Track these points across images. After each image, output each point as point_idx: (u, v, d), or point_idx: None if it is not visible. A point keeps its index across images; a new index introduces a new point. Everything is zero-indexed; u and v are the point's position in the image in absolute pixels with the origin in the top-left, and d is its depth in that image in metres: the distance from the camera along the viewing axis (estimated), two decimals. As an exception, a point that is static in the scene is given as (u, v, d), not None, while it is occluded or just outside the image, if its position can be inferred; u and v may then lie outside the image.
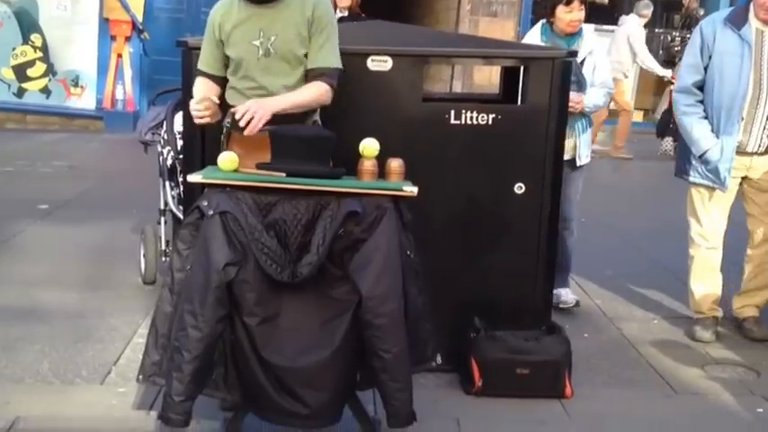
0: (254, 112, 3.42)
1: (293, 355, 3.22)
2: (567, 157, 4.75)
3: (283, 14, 3.60)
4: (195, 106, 3.54)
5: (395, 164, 3.41)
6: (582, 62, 4.95)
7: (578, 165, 5.05)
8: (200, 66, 3.75)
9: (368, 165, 3.39)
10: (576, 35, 4.99)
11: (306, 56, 3.63)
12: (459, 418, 3.85)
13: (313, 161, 3.35)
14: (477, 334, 4.09)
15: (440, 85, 12.72)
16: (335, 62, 3.66)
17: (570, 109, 4.52)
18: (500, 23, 12.18)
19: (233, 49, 3.65)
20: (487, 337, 4.08)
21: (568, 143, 4.73)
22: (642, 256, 6.16)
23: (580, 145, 5.05)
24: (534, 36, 5.04)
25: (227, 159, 3.34)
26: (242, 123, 3.41)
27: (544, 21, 5.07)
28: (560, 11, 4.93)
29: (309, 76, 3.63)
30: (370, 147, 3.42)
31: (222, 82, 3.74)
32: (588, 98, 4.94)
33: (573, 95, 4.58)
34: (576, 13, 4.93)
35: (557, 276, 4.89)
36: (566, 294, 5.23)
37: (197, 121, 3.57)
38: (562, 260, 5.06)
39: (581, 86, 4.89)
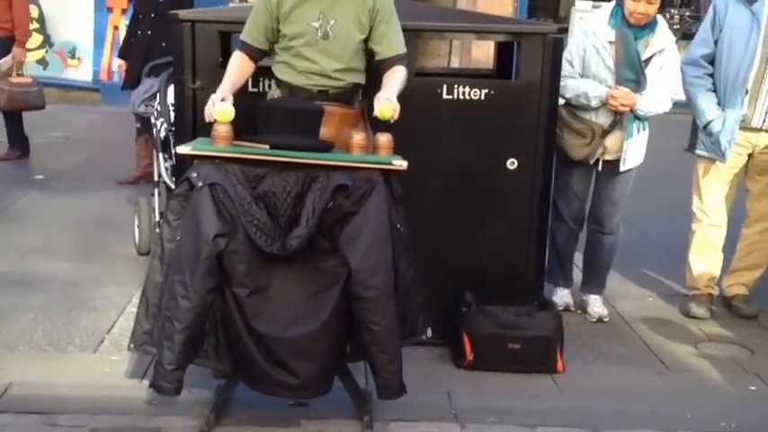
0: (395, 104, 3.44)
1: (283, 327, 3.24)
2: (611, 156, 4.59)
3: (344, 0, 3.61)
4: (213, 109, 3.44)
5: (383, 138, 3.38)
6: (648, 60, 4.50)
7: (621, 169, 4.61)
8: (245, 37, 3.71)
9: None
10: (646, 27, 4.47)
11: (364, 41, 3.66)
12: (449, 391, 3.87)
13: (300, 134, 3.35)
14: (468, 308, 4.11)
15: (438, 61, 12.64)
16: (403, 47, 3.71)
17: (615, 105, 4.44)
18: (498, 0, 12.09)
19: (290, 27, 3.63)
20: (479, 311, 4.09)
21: (614, 142, 4.56)
22: (639, 234, 6.16)
23: (628, 148, 4.56)
24: (603, 16, 4.56)
25: (223, 111, 3.32)
26: (395, 118, 3.42)
27: (615, 3, 4.56)
28: None
29: (387, 62, 3.66)
30: (387, 108, 3.39)
31: (260, 55, 3.74)
32: (644, 101, 4.47)
33: (622, 92, 4.44)
34: (643, 5, 4.38)
35: (585, 279, 4.89)
36: (592, 305, 4.85)
37: (207, 118, 3.49)
38: (592, 263, 4.87)
39: (639, 86, 4.47)
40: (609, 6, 4.59)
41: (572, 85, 4.49)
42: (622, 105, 4.45)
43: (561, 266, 4.86)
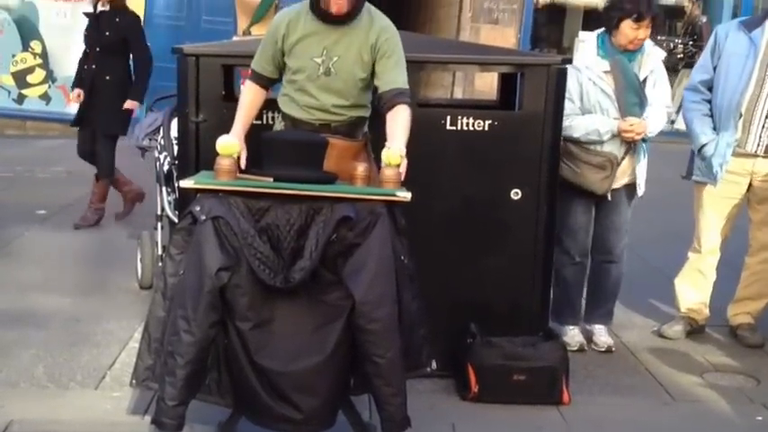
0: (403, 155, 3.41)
1: (286, 360, 3.22)
2: (620, 183, 4.59)
3: (349, 36, 3.61)
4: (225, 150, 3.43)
5: (390, 172, 3.35)
6: (644, 81, 4.56)
7: (639, 194, 4.68)
8: (255, 66, 3.75)
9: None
10: (636, 51, 4.54)
11: (368, 78, 3.65)
12: (454, 423, 3.83)
13: (304, 166, 3.34)
14: (473, 339, 4.08)
15: (441, 92, 12.73)
16: (405, 82, 3.64)
17: (630, 136, 4.46)
18: (501, 31, 12.19)
19: (294, 60, 3.65)
20: (484, 342, 4.06)
21: (626, 167, 4.57)
22: (642, 263, 6.14)
23: (638, 174, 4.62)
24: (590, 48, 4.60)
25: (227, 144, 3.32)
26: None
27: (601, 31, 4.59)
28: (626, 25, 4.44)
29: (387, 96, 3.58)
30: (393, 155, 3.37)
31: (270, 84, 3.78)
32: (652, 124, 4.54)
33: (636, 121, 4.45)
34: (644, 31, 4.46)
35: (591, 310, 4.85)
36: (599, 335, 4.80)
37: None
38: (599, 293, 4.83)
39: (643, 107, 4.53)
40: (592, 39, 4.63)
41: (580, 124, 4.49)
42: (637, 134, 4.48)
43: (570, 303, 4.79)
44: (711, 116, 4.81)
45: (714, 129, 4.78)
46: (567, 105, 4.45)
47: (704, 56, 4.92)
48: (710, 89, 4.83)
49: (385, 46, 3.62)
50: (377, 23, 3.65)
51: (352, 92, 3.66)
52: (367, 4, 3.67)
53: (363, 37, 3.61)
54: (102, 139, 6.84)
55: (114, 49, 6.78)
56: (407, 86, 3.65)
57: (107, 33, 6.74)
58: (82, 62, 6.98)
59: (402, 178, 3.37)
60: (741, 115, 4.70)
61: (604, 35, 4.56)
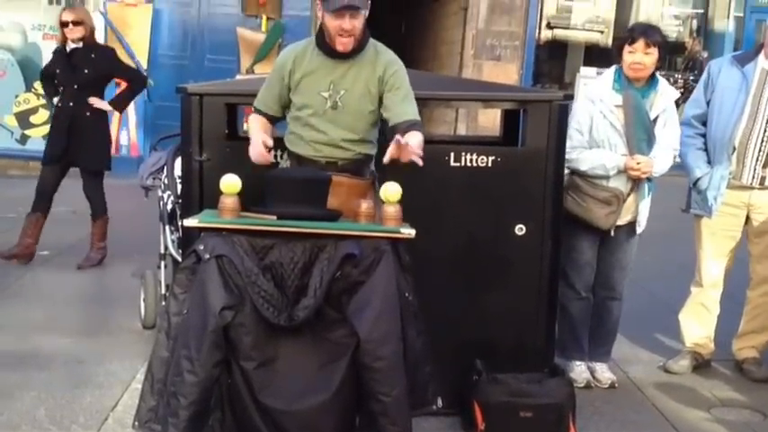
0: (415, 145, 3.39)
1: (290, 399, 3.20)
2: (625, 220, 4.56)
3: (355, 69, 3.63)
4: (261, 149, 3.53)
5: (391, 210, 3.37)
6: (655, 119, 4.51)
7: (638, 232, 4.63)
8: (258, 105, 3.76)
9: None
10: (651, 86, 4.50)
11: (375, 112, 3.66)
12: (461, 462, 3.80)
13: (308, 203, 3.34)
14: (478, 376, 4.04)
15: (444, 128, 12.80)
16: (416, 114, 3.64)
17: (637, 174, 4.44)
18: (503, 67, 12.28)
19: (300, 96, 3.67)
20: (489, 379, 4.03)
21: (629, 207, 4.54)
22: (648, 297, 6.11)
23: (640, 211, 4.58)
24: (606, 83, 4.56)
25: (230, 182, 3.32)
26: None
27: (618, 66, 4.55)
28: (625, 51, 4.45)
29: (401, 127, 3.54)
30: (393, 192, 3.39)
31: (274, 122, 3.78)
32: (659, 164, 4.50)
33: (643, 159, 4.43)
34: (639, 55, 4.40)
35: (593, 347, 4.80)
36: (601, 371, 4.76)
37: (254, 159, 3.56)
38: (602, 331, 4.78)
39: (651, 145, 4.48)
40: (611, 72, 4.59)
41: (587, 158, 4.48)
42: (643, 173, 4.46)
43: (576, 339, 4.75)
44: (706, 150, 4.85)
45: (709, 162, 4.81)
46: (576, 137, 4.47)
47: (697, 90, 4.96)
48: (704, 123, 4.87)
49: (392, 79, 3.63)
50: (383, 57, 3.68)
51: (360, 125, 3.67)
52: (371, 39, 3.69)
53: (370, 70, 3.63)
54: (88, 178, 6.84)
55: (92, 86, 6.75)
56: (419, 118, 3.64)
57: (85, 71, 6.68)
58: (58, 101, 6.83)
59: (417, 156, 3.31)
60: (735, 148, 4.73)
61: (620, 69, 4.53)
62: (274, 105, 3.72)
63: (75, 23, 6.63)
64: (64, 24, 6.67)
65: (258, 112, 3.75)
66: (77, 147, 6.72)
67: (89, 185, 6.87)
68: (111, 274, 6.63)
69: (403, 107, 3.61)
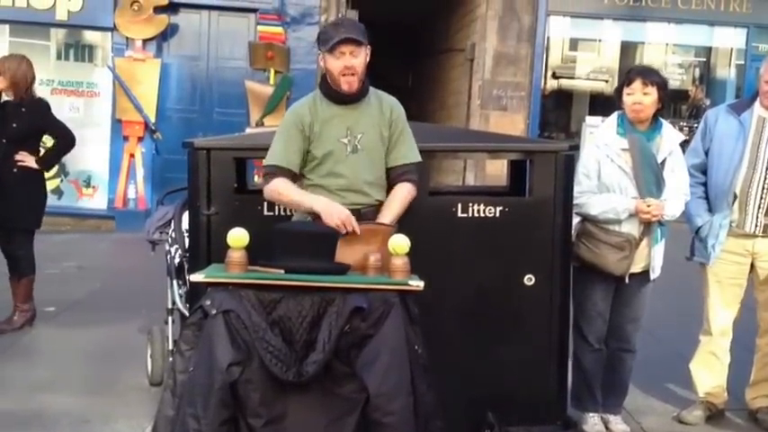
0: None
1: (300, 457, 3.13)
2: (638, 268, 4.49)
3: (366, 114, 3.75)
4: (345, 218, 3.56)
5: (399, 262, 3.36)
6: (662, 162, 4.46)
7: (652, 278, 4.56)
8: (282, 163, 3.71)
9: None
10: (655, 129, 4.48)
11: (385, 155, 3.79)
12: None
13: (315, 257, 3.31)
14: (491, 430, 3.98)
15: (453, 177, 12.83)
16: (416, 156, 3.83)
17: (647, 217, 4.39)
18: (510, 117, 12.35)
19: (320, 145, 3.71)
20: (501, 433, 3.97)
21: (642, 253, 4.48)
22: (660, 346, 6.05)
23: (654, 256, 4.52)
24: (610, 127, 4.54)
25: (237, 236, 3.30)
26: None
27: (621, 112, 4.53)
28: (624, 95, 4.45)
29: (394, 173, 3.79)
30: (400, 245, 3.38)
31: (296, 179, 3.78)
32: (670, 207, 4.45)
33: (654, 202, 4.38)
34: (638, 95, 4.39)
35: (606, 399, 4.72)
36: (615, 423, 4.68)
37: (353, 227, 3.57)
38: (615, 382, 4.70)
39: (660, 187, 4.43)
40: (613, 117, 4.58)
41: (597, 202, 4.43)
42: (654, 216, 4.40)
43: (590, 390, 4.67)
44: (707, 198, 4.85)
45: (710, 210, 4.82)
46: (584, 182, 4.44)
47: (695, 140, 4.97)
48: (704, 172, 4.87)
49: (398, 121, 3.81)
50: (385, 100, 3.84)
51: (380, 167, 3.76)
52: (370, 87, 3.81)
53: (378, 113, 3.76)
54: (18, 236, 6.44)
55: (22, 141, 6.36)
56: (418, 159, 3.81)
57: (14, 125, 6.32)
58: None
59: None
60: (736, 196, 4.73)
61: (623, 115, 4.52)
62: (298, 160, 3.73)
63: None
64: None
65: (285, 172, 3.71)
66: (8, 205, 6.30)
67: (21, 243, 6.45)
68: (118, 330, 6.56)
69: (403, 150, 3.80)
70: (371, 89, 3.82)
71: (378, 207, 3.74)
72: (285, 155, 3.72)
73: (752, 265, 4.85)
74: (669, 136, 4.52)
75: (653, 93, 4.41)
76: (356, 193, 3.69)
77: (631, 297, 4.58)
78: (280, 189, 3.70)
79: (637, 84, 4.41)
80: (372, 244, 3.50)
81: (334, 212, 3.55)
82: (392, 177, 3.78)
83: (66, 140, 6.70)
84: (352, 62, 3.64)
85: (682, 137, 4.65)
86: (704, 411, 4.94)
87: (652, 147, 4.46)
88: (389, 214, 3.68)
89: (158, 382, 5.20)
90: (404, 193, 3.75)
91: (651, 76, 4.45)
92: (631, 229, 4.46)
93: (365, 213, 3.68)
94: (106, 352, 6.04)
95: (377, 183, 3.76)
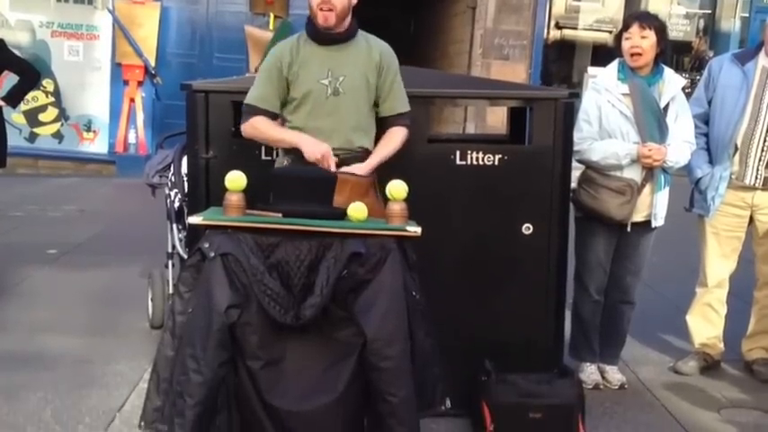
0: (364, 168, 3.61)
1: (298, 399, 3.16)
2: (640, 216, 4.46)
3: (350, 56, 3.67)
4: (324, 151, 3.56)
5: (397, 207, 3.33)
6: (665, 108, 4.42)
7: (653, 226, 4.52)
8: (260, 103, 3.69)
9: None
10: (656, 74, 4.44)
11: (370, 100, 3.71)
12: (469, 463, 3.77)
13: (313, 201, 3.31)
14: (487, 377, 4.01)
15: (453, 127, 12.78)
16: (407, 105, 3.78)
17: (649, 162, 4.35)
18: (511, 66, 12.26)
19: (299, 87, 3.66)
20: (498, 380, 3.99)
21: (645, 201, 4.45)
22: (658, 298, 6.08)
23: (656, 203, 4.48)
24: (610, 73, 4.50)
25: (235, 179, 3.29)
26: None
27: (621, 59, 4.49)
28: (623, 39, 4.42)
29: (386, 121, 3.75)
30: (398, 189, 3.36)
31: (275, 119, 3.75)
32: (672, 153, 4.39)
33: (655, 146, 4.33)
34: (636, 38, 4.35)
35: (604, 349, 4.76)
36: (611, 372, 4.74)
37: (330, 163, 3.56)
38: (613, 333, 4.73)
39: (663, 132, 4.38)
40: (614, 63, 4.55)
41: (598, 148, 4.41)
42: (655, 161, 4.36)
43: (587, 340, 4.72)
44: (708, 149, 4.83)
45: (710, 162, 4.80)
46: (585, 128, 4.42)
47: (698, 90, 4.94)
48: (706, 122, 4.84)
49: (387, 67, 3.72)
50: (375, 45, 3.75)
51: (362, 111, 3.69)
52: (361, 31, 3.74)
53: (366, 57, 3.68)
54: None
55: None
56: (408, 108, 3.77)
57: None
58: None
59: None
60: (737, 148, 4.72)
61: (623, 61, 4.48)
62: (276, 101, 3.70)
63: None
64: None
65: (261, 112, 3.69)
66: None
67: None
68: (119, 273, 6.61)
69: (394, 100, 3.75)
70: (362, 33, 3.75)
71: (361, 155, 3.68)
72: (264, 96, 3.69)
73: (751, 218, 4.86)
74: (671, 80, 4.48)
75: (651, 36, 4.37)
76: (338, 138, 3.63)
77: (633, 249, 4.58)
78: (257, 125, 3.68)
79: (634, 27, 4.38)
80: (340, 194, 3.43)
81: (315, 146, 3.54)
82: (386, 125, 3.74)
83: (29, 75, 6.68)
84: None
85: (683, 81, 4.60)
86: (699, 362, 4.99)
87: (654, 91, 4.43)
88: (377, 157, 3.65)
89: (159, 325, 5.24)
90: (397, 137, 3.71)
91: (648, 19, 4.43)
92: (633, 174, 4.43)
93: (344, 160, 3.63)
94: (107, 294, 6.09)
95: (360, 128, 3.69)
